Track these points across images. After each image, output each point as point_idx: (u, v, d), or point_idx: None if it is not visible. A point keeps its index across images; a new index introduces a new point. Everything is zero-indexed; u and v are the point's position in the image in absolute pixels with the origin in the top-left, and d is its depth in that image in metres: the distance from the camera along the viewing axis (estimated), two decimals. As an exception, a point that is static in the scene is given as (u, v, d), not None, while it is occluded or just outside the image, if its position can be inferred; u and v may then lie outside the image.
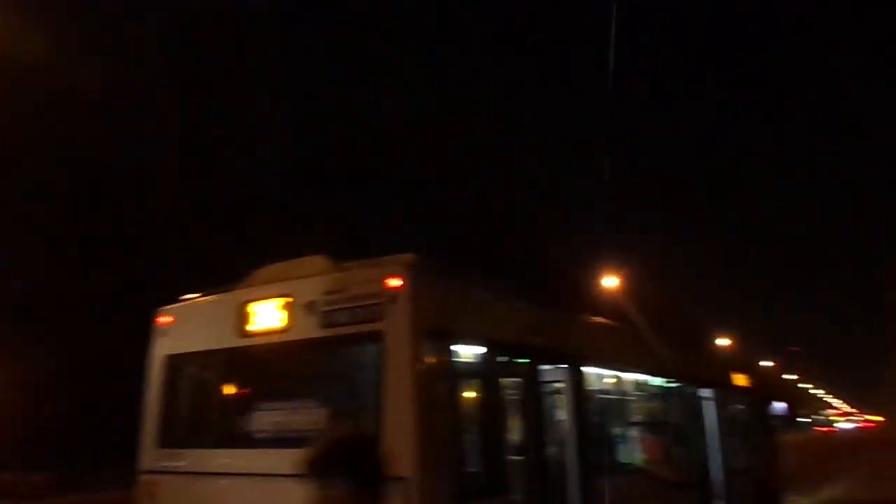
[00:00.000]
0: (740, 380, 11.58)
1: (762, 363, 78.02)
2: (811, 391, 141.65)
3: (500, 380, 5.26)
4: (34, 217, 21.22)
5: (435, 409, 4.39)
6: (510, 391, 5.90)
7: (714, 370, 10.51)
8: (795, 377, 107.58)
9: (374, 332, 4.45)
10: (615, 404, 7.05)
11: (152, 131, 22.37)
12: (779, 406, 14.78)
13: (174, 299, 5.96)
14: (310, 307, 4.81)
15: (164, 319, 5.78)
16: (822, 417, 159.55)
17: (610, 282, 32.71)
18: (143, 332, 5.91)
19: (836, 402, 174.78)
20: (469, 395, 5.18)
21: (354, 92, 37.23)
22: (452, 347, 4.73)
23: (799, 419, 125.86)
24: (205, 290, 5.84)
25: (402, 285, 4.42)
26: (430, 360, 4.44)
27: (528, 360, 5.67)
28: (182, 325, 5.69)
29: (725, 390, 10.50)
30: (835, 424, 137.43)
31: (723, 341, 56.06)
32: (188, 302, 5.82)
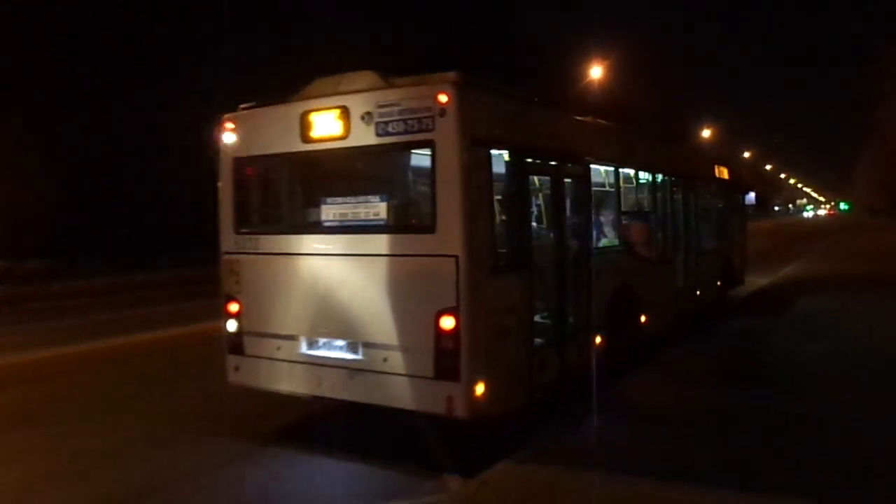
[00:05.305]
0: (716, 172, 12.82)
1: (743, 154, 79.87)
2: (788, 181, 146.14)
3: (529, 178, 6.27)
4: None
5: (477, 204, 5.37)
6: (536, 188, 7.00)
7: (693, 164, 11.64)
8: (772, 167, 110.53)
9: (426, 140, 5.33)
10: (613, 196, 8.15)
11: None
12: (751, 196, 16.20)
13: (225, 106, 6.71)
14: (366, 118, 5.64)
15: (229, 126, 6.52)
16: (792, 207, 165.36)
17: (596, 72, 33.29)
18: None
19: (809, 190, 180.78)
20: (504, 191, 6.10)
21: None
22: (491, 151, 5.62)
23: (775, 207, 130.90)
24: (257, 100, 6.51)
25: (449, 101, 5.25)
26: (474, 163, 5.33)
27: (551, 161, 6.66)
28: (246, 131, 6.43)
29: (702, 182, 11.73)
30: (806, 212, 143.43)
31: (706, 132, 57.25)
32: (250, 110, 6.51)
